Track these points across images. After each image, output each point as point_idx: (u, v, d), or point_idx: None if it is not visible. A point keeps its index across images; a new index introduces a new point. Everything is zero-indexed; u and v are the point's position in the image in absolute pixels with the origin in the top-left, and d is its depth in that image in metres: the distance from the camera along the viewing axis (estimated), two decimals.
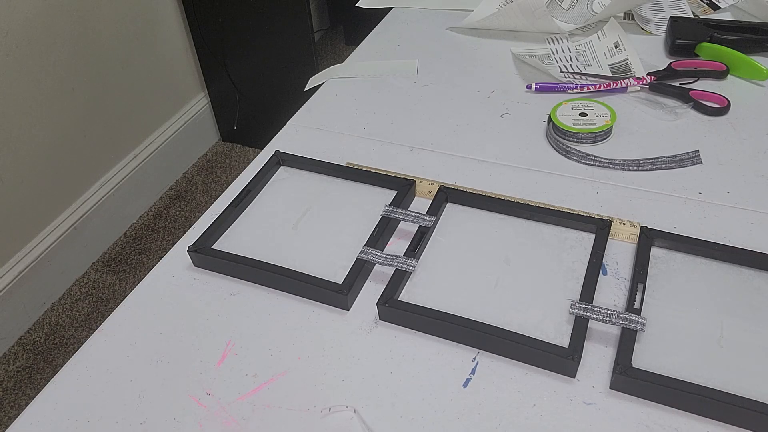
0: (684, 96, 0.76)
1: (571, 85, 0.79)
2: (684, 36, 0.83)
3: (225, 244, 0.62)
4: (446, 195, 0.64)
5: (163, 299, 0.57)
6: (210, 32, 1.89)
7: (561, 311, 0.53)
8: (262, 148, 0.74)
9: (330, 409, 0.48)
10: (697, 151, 0.68)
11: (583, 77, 0.80)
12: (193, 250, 0.59)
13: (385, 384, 0.49)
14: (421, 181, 0.66)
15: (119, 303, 0.57)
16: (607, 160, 0.68)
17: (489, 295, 0.55)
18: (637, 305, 0.51)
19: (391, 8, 1.02)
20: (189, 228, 0.64)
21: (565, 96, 0.78)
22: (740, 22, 0.86)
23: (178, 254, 0.61)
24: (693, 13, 0.92)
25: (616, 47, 0.84)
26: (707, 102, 0.75)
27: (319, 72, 0.88)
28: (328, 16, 2.58)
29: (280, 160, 0.70)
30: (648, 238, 0.57)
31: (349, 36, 2.52)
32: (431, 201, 0.63)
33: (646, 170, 0.67)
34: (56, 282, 1.66)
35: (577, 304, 0.51)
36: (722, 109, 0.74)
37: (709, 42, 0.82)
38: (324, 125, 0.77)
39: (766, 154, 0.68)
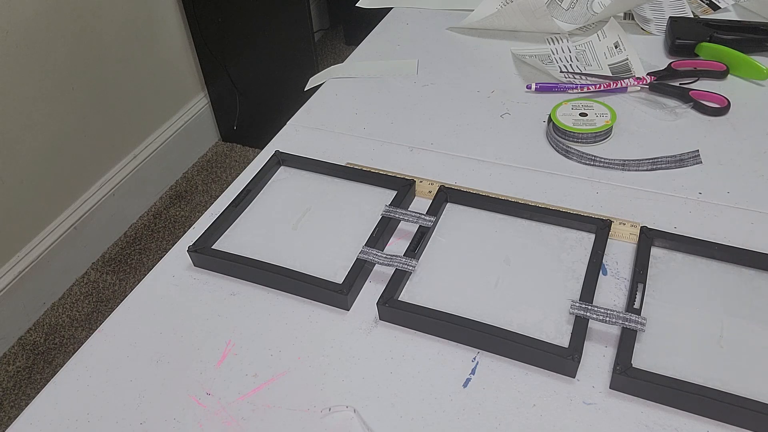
0: (684, 96, 0.76)
1: (571, 85, 0.79)
2: (684, 36, 0.83)
3: (225, 244, 0.62)
4: (446, 195, 0.64)
5: (163, 299, 0.57)
6: (210, 32, 1.89)
7: (561, 311, 0.53)
8: (262, 148, 0.74)
9: (330, 409, 0.48)
10: (697, 151, 0.68)
11: (583, 77, 0.80)
12: (193, 250, 0.59)
13: (385, 384, 0.49)
14: (421, 181, 0.66)
15: (119, 303, 0.57)
16: (607, 160, 0.68)
17: (489, 295, 0.55)
18: (637, 305, 0.51)
19: (391, 8, 1.02)
20: (189, 228, 0.64)
21: (565, 96, 0.78)
22: (740, 21, 0.86)
23: (178, 254, 0.61)
24: (693, 13, 0.92)
25: (616, 47, 0.84)
26: (707, 102, 0.75)
27: (319, 72, 0.88)
28: (328, 16, 2.58)
29: (280, 160, 0.70)
30: (648, 238, 0.57)
31: (349, 36, 2.52)
32: (431, 201, 0.63)
33: (646, 170, 0.67)
34: (56, 282, 1.66)
35: (577, 304, 0.51)
36: (722, 109, 0.74)
37: (709, 42, 0.82)
38: (324, 125, 0.77)
39: (766, 154, 0.68)
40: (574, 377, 0.49)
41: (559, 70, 0.82)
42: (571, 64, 0.84)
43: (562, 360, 0.48)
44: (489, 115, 0.77)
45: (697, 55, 0.83)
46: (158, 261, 0.61)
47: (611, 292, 0.55)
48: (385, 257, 0.56)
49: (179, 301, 0.57)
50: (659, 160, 0.67)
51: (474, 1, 0.96)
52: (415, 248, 0.58)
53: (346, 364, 0.51)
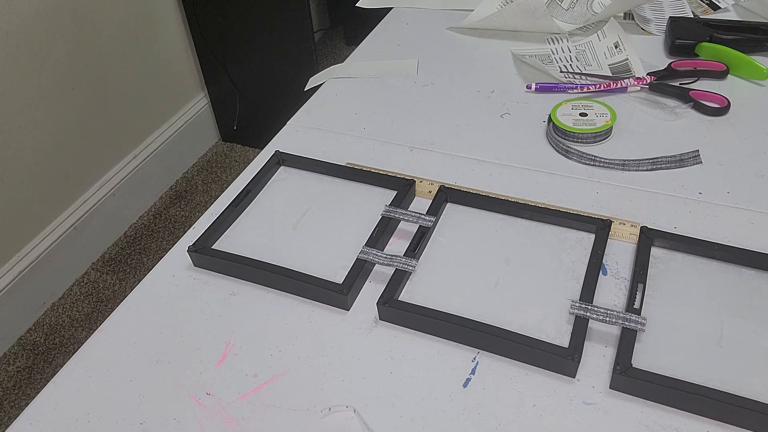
0: (684, 96, 0.76)
1: (571, 85, 0.79)
2: (684, 36, 0.83)
3: (225, 244, 0.62)
4: (446, 195, 0.64)
5: (163, 299, 0.57)
6: (210, 32, 1.89)
7: (561, 311, 0.53)
8: (262, 148, 0.74)
9: (330, 409, 0.48)
10: (697, 151, 0.68)
11: (583, 77, 0.80)
12: (193, 250, 0.59)
13: (385, 384, 0.49)
14: (421, 181, 0.66)
15: (119, 303, 0.57)
16: (607, 160, 0.68)
17: (489, 295, 0.55)
18: (637, 305, 0.51)
19: (391, 8, 1.02)
20: (189, 228, 0.64)
21: (565, 96, 0.78)
22: (740, 21, 0.86)
23: (178, 254, 0.61)
24: (693, 13, 0.92)
25: (616, 47, 0.84)
26: (707, 102, 0.75)
27: (319, 72, 0.88)
28: (328, 16, 2.58)
29: (280, 160, 0.70)
30: (648, 238, 0.57)
31: (349, 36, 2.52)
32: (431, 201, 0.63)
33: (646, 170, 0.67)
34: (56, 282, 1.66)
35: (577, 304, 0.51)
36: (722, 109, 0.74)
37: (709, 42, 0.82)
38: (324, 125, 0.77)
39: (766, 154, 0.68)
40: (574, 377, 0.49)
41: (559, 70, 0.82)
42: (571, 64, 0.84)
43: (562, 360, 0.48)
44: (489, 115, 0.77)
45: (697, 55, 0.83)
46: (158, 261, 0.61)
47: (611, 292, 0.55)
48: (385, 257, 0.56)
49: (179, 301, 0.57)
50: (659, 160, 0.67)
51: (474, 1, 0.96)
52: (415, 248, 0.58)
53: (346, 364, 0.51)
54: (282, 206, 0.66)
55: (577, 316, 0.50)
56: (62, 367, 0.52)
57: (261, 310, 0.56)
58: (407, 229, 0.62)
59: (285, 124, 0.78)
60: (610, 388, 0.48)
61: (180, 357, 0.52)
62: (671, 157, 0.68)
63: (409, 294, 0.56)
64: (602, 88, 0.78)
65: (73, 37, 1.57)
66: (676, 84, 0.78)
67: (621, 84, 0.77)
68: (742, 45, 0.81)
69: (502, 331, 0.50)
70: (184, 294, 0.58)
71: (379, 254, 0.57)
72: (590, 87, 0.78)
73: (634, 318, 0.50)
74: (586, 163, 0.68)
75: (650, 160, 0.67)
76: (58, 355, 1.54)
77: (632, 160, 0.67)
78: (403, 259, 0.56)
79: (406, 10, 1.01)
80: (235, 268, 0.58)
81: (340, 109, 0.80)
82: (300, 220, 0.64)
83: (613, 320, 0.50)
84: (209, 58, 1.95)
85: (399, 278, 0.55)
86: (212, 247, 0.60)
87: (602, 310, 0.50)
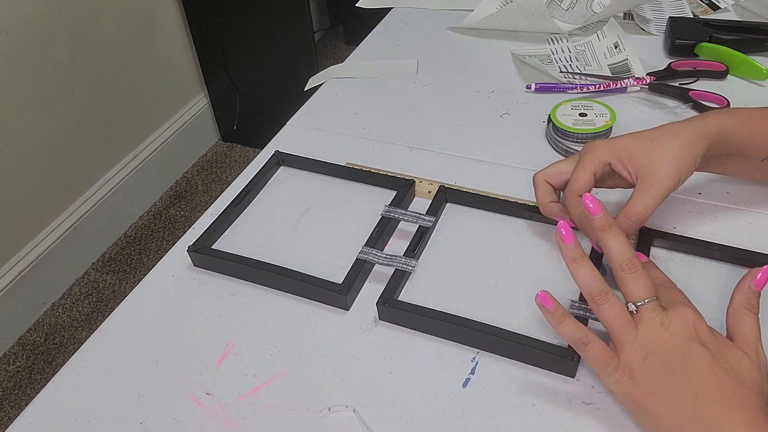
0: (684, 96, 0.76)
1: (570, 85, 0.79)
2: (683, 36, 0.83)
3: (225, 244, 0.62)
4: (446, 195, 0.64)
5: (163, 299, 0.57)
6: (210, 32, 1.89)
7: None
8: (262, 148, 0.74)
9: (330, 409, 0.48)
10: None
11: (583, 77, 0.80)
12: (193, 250, 0.59)
13: (385, 384, 0.49)
14: (420, 181, 0.66)
15: (119, 303, 0.57)
16: None
17: (489, 295, 0.55)
18: None
19: (391, 8, 1.02)
20: (189, 228, 0.64)
21: (564, 96, 0.78)
22: (740, 21, 0.87)
23: (178, 254, 0.61)
24: (693, 13, 0.92)
25: (615, 47, 0.84)
26: (707, 102, 0.75)
27: (319, 72, 0.88)
28: (328, 16, 2.58)
29: (280, 160, 0.70)
30: (647, 238, 0.57)
31: (349, 36, 2.52)
32: (431, 201, 0.63)
33: None
34: (56, 282, 1.66)
35: (577, 304, 0.51)
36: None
37: (709, 42, 0.82)
38: (324, 125, 0.77)
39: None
40: (573, 377, 0.49)
41: (559, 70, 0.82)
42: (570, 64, 0.84)
43: (561, 360, 0.48)
44: (489, 115, 0.77)
45: (697, 55, 0.83)
46: (158, 261, 0.61)
47: None
48: (385, 257, 0.56)
49: (179, 301, 0.57)
50: None
51: (474, 1, 0.96)
52: (415, 248, 0.58)
53: (345, 364, 0.51)
54: (282, 206, 0.66)
55: (576, 317, 0.50)
56: (62, 367, 0.52)
57: (261, 310, 0.56)
58: (407, 229, 0.62)
59: (285, 124, 0.78)
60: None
61: (180, 357, 0.52)
62: None
63: (408, 294, 0.56)
64: (602, 88, 0.78)
65: (73, 37, 1.57)
66: (676, 84, 0.78)
67: (621, 84, 0.77)
68: (742, 45, 0.81)
69: (502, 331, 0.50)
70: (184, 294, 0.58)
71: (379, 254, 0.57)
72: (590, 87, 0.78)
73: None
74: None
75: None
76: (58, 355, 1.54)
77: None
78: (403, 259, 0.56)
79: (406, 10, 1.01)
80: (235, 268, 0.58)
81: (340, 109, 0.80)
82: (300, 220, 0.64)
83: None
84: (209, 58, 1.95)
85: (398, 278, 0.55)
86: (212, 247, 0.60)
87: None
